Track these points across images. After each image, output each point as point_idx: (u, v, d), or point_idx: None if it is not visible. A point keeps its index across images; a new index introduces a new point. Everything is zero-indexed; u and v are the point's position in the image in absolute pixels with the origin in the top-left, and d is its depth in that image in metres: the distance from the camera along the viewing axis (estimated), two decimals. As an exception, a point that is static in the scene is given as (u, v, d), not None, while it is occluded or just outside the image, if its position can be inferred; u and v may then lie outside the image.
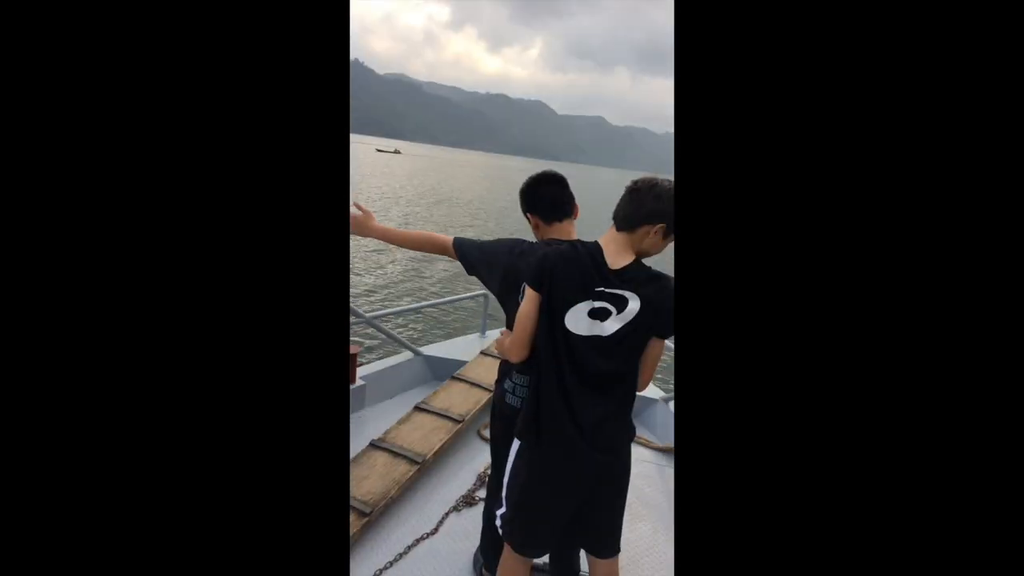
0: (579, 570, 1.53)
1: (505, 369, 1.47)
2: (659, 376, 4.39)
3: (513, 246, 1.43)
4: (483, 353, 3.05)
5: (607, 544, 1.31)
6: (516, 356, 1.24)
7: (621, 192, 1.18)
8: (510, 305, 1.36)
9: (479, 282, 1.59)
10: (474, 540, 1.83)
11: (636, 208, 1.15)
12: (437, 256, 1.62)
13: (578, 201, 1.49)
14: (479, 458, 2.36)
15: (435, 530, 1.89)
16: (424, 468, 2.11)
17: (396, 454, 2.11)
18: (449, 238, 1.50)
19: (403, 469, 2.03)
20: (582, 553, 1.45)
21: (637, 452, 2.53)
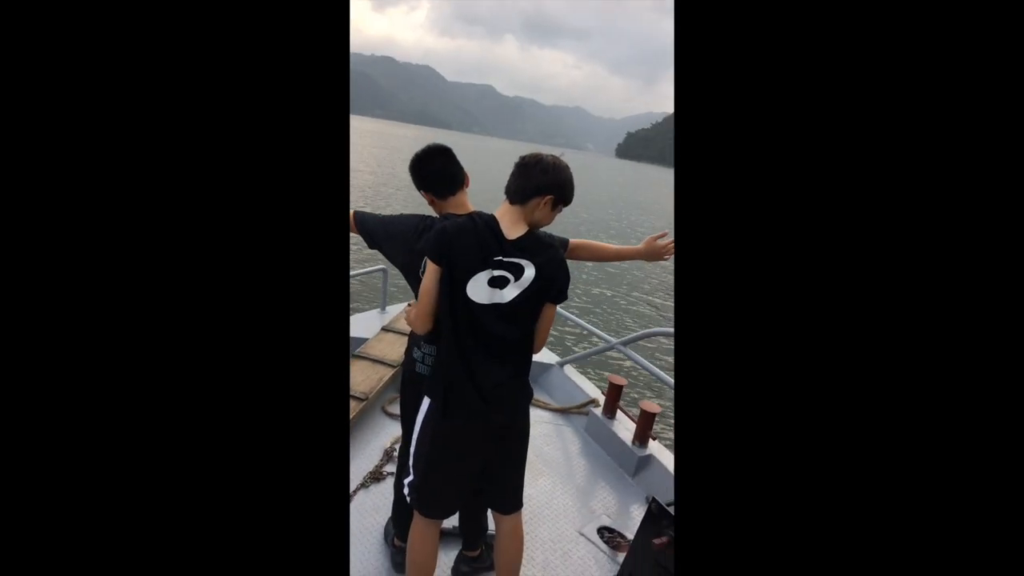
0: (487, 527, 1.65)
1: (414, 340, 1.51)
2: (551, 341, 4.63)
3: (418, 223, 1.45)
4: (384, 329, 3.02)
5: (511, 501, 1.43)
6: (421, 328, 1.29)
7: (514, 163, 1.26)
8: (415, 280, 1.39)
9: (375, 256, 1.57)
10: (384, 513, 1.87)
11: (526, 182, 1.23)
12: None
13: (474, 172, 1.52)
14: (384, 433, 2.38)
15: None
16: (328, 449, 2.09)
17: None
18: (349, 211, 1.46)
19: (307, 452, 2.00)
20: (489, 512, 1.56)
21: (536, 414, 2.72)
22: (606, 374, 2.92)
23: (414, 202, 15.93)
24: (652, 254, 1.65)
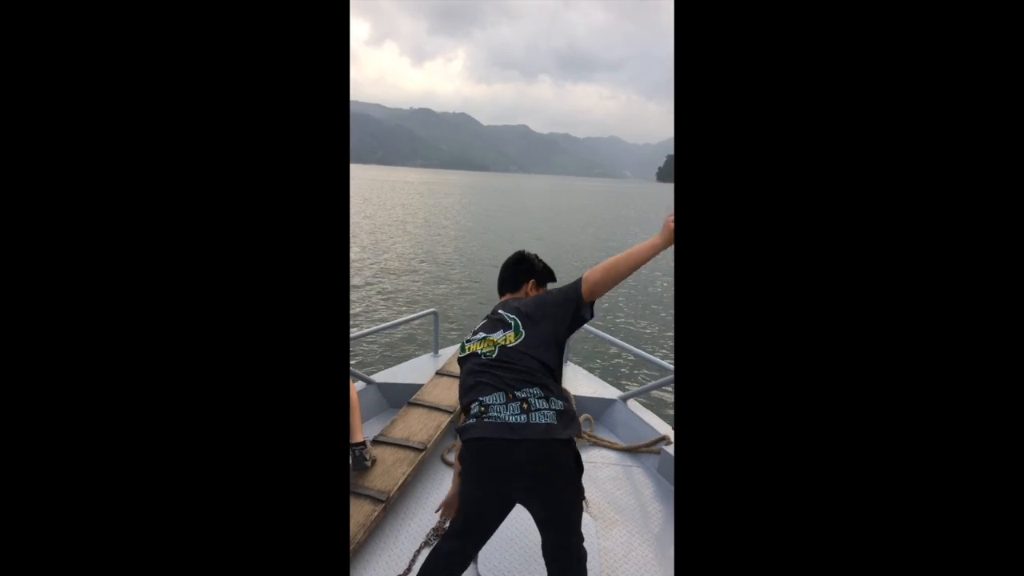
0: None
1: None
2: (609, 379, 4.45)
3: None
4: (438, 373, 2.97)
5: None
6: None
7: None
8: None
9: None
10: (450, 573, 1.75)
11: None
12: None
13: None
14: (446, 484, 2.28)
15: (408, 569, 1.80)
16: (389, 506, 2.02)
17: (358, 495, 2.00)
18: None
19: (367, 511, 1.93)
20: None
21: (601, 455, 2.56)
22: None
23: (464, 239, 16.33)
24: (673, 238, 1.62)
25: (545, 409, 1.33)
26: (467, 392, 1.44)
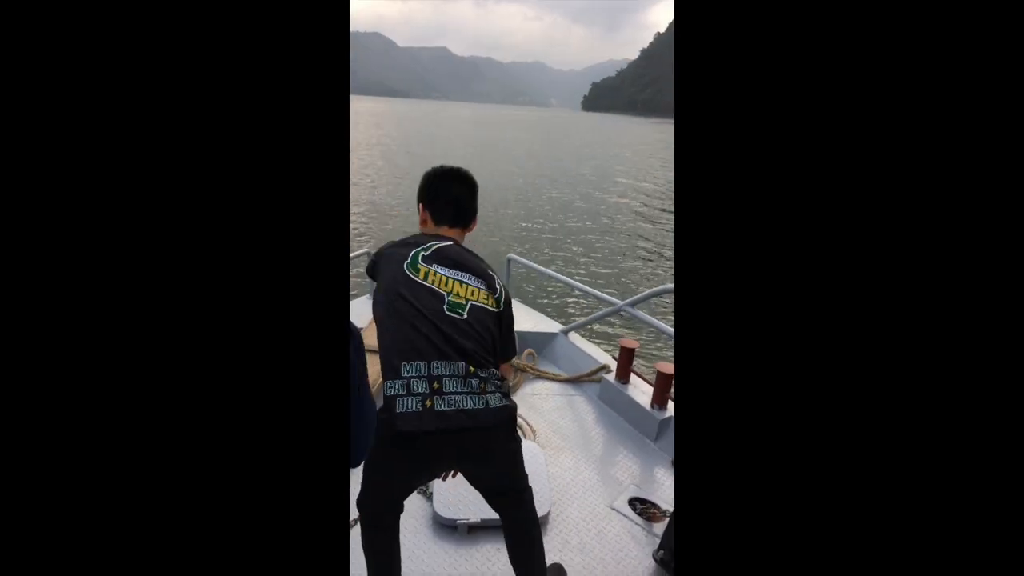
0: None
1: None
2: (552, 311, 4.54)
3: None
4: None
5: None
6: None
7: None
8: None
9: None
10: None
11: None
12: None
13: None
14: None
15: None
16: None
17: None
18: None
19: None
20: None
21: (545, 386, 2.63)
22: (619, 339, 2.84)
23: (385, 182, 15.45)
24: None
25: (496, 392, 1.12)
26: (406, 350, 1.09)
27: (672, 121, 0.65)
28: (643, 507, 1.87)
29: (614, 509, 1.87)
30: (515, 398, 2.01)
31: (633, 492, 1.95)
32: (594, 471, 2.07)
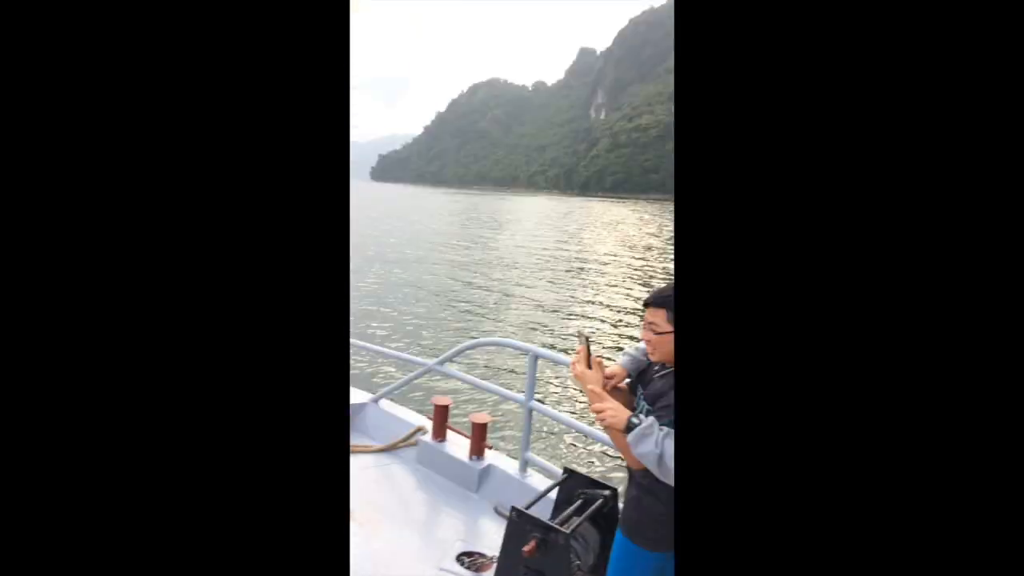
0: None
1: None
2: (361, 380, 4.34)
3: None
4: None
5: None
6: None
7: None
8: None
9: None
10: None
11: None
12: None
13: None
14: None
15: None
16: None
17: None
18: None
19: None
20: None
21: (357, 460, 2.47)
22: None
23: None
24: None
25: None
26: None
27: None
28: (470, 560, 1.87)
29: (443, 569, 1.83)
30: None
31: (460, 548, 1.94)
32: (417, 536, 2.00)
